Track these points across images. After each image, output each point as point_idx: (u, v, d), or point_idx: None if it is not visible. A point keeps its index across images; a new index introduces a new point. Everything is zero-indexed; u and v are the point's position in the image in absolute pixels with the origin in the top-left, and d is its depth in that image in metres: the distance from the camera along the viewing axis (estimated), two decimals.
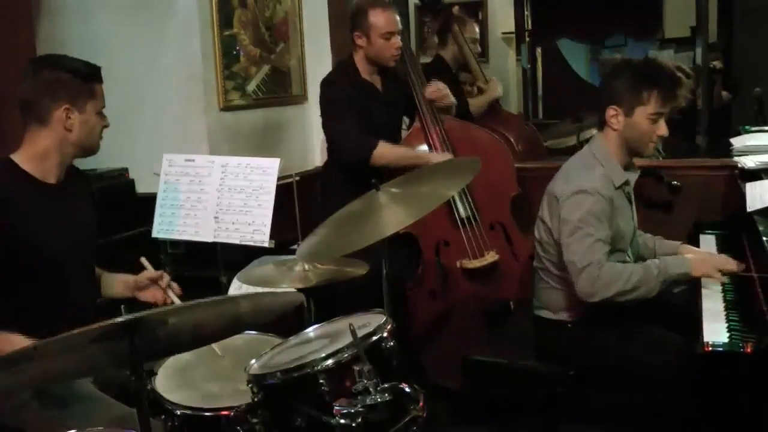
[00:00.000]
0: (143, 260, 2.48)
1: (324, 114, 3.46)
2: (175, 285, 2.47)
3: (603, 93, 2.71)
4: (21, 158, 2.28)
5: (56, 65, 2.29)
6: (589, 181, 2.59)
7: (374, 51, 3.40)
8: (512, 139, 3.81)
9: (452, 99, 3.58)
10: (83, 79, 2.27)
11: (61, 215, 2.32)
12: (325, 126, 3.48)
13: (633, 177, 2.77)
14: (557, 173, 2.74)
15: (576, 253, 2.53)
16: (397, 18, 3.42)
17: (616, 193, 2.64)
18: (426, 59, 5.49)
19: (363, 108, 3.41)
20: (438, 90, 3.53)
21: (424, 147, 3.54)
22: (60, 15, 3.83)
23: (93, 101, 2.30)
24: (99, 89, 2.33)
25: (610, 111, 2.63)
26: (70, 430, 1.85)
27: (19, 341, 2.06)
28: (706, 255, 2.69)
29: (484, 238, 3.46)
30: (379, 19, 3.35)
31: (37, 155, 2.28)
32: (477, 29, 4.72)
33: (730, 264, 2.54)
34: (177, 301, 2.40)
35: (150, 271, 2.45)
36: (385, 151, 3.30)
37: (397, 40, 3.39)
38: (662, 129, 2.62)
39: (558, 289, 2.71)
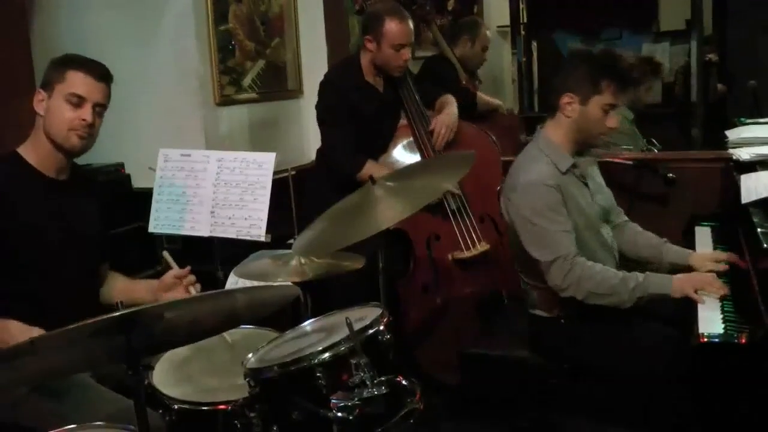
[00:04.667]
0: (166, 254, 2.45)
1: (319, 117, 3.48)
2: (198, 285, 2.42)
3: (558, 80, 2.70)
4: (25, 150, 2.31)
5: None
6: (535, 174, 2.57)
7: (382, 58, 3.40)
8: (493, 135, 3.82)
9: (453, 129, 3.52)
10: (59, 63, 2.27)
11: (58, 211, 2.32)
12: (320, 129, 3.50)
13: (584, 162, 2.74)
14: (507, 175, 2.71)
15: (539, 249, 2.53)
16: (411, 29, 3.41)
17: (564, 179, 2.61)
18: (422, 53, 5.50)
19: (363, 111, 3.41)
20: (440, 135, 3.48)
21: (412, 143, 3.55)
22: (55, 11, 3.82)
23: (60, 85, 2.25)
24: (73, 75, 2.26)
25: (566, 98, 2.62)
26: (69, 424, 1.85)
27: (17, 329, 2.07)
28: (695, 274, 2.57)
29: (475, 229, 3.48)
30: (394, 29, 3.33)
31: (37, 147, 2.30)
32: (489, 35, 4.76)
33: (712, 287, 2.44)
34: None
35: (176, 270, 2.42)
36: (371, 172, 3.29)
37: (406, 52, 3.39)
38: (613, 121, 2.62)
39: (540, 287, 2.67)
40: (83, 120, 2.26)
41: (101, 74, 2.30)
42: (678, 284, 2.47)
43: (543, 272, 2.55)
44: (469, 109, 4.17)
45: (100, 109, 2.31)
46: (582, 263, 2.50)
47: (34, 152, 2.30)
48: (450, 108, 3.56)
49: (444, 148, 3.50)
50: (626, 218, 2.93)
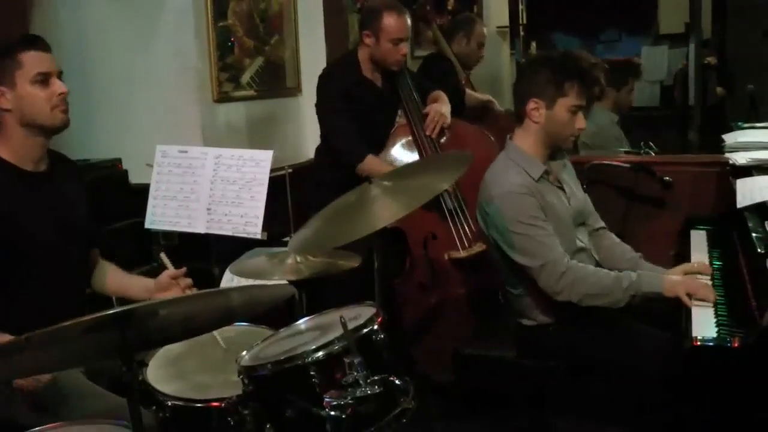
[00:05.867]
0: (163, 256, 2.43)
1: (320, 109, 3.48)
2: (195, 289, 2.40)
3: (521, 87, 2.70)
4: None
5: None
6: (508, 184, 2.56)
7: (380, 53, 3.41)
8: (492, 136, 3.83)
9: (447, 119, 3.54)
10: (4, 54, 2.22)
11: (44, 203, 2.31)
12: (321, 121, 3.51)
13: (558, 165, 2.73)
14: (480, 188, 2.69)
15: (526, 257, 2.52)
16: (409, 24, 3.42)
17: (538, 186, 2.60)
18: (421, 52, 5.51)
19: (361, 105, 3.42)
20: (434, 121, 3.49)
21: (411, 142, 3.56)
22: (53, 6, 3.80)
23: (19, 71, 2.21)
24: (27, 56, 2.21)
25: (531, 104, 2.60)
26: (61, 420, 1.84)
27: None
28: (688, 278, 2.51)
29: (472, 229, 3.48)
30: (392, 23, 3.34)
31: (9, 143, 2.27)
32: (486, 32, 4.76)
33: (703, 293, 2.40)
34: None
35: (171, 270, 2.41)
36: (371, 166, 3.32)
37: (404, 47, 3.40)
38: (580, 122, 2.61)
39: (525, 296, 2.66)
40: (60, 93, 2.25)
41: (46, 45, 2.28)
42: (670, 284, 2.46)
43: (533, 279, 2.53)
44: (460, 107, 4.17)
45: (61, 76, 2.29)
46: (575, 266, 2.49)
47: (7, 148, 2.27)
48: (443, 101, 3.58)
49: (443, 147, 3.51)
50: (603, 224, 2.89)
